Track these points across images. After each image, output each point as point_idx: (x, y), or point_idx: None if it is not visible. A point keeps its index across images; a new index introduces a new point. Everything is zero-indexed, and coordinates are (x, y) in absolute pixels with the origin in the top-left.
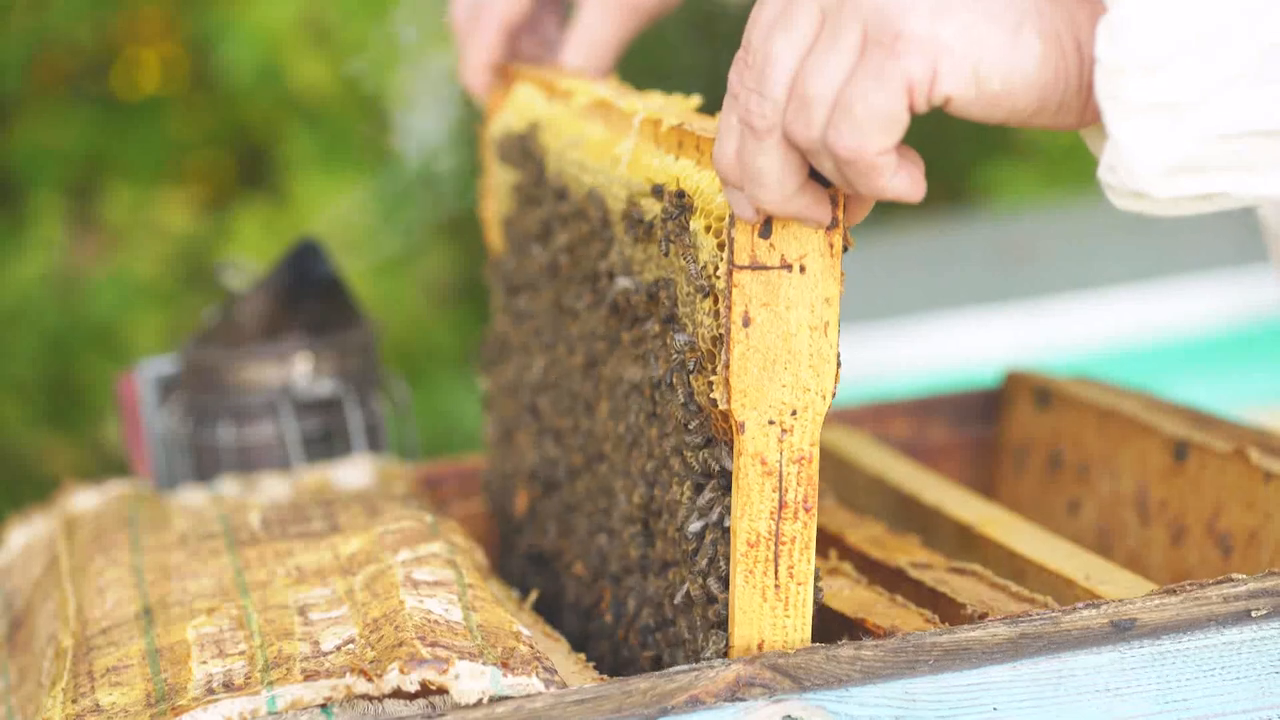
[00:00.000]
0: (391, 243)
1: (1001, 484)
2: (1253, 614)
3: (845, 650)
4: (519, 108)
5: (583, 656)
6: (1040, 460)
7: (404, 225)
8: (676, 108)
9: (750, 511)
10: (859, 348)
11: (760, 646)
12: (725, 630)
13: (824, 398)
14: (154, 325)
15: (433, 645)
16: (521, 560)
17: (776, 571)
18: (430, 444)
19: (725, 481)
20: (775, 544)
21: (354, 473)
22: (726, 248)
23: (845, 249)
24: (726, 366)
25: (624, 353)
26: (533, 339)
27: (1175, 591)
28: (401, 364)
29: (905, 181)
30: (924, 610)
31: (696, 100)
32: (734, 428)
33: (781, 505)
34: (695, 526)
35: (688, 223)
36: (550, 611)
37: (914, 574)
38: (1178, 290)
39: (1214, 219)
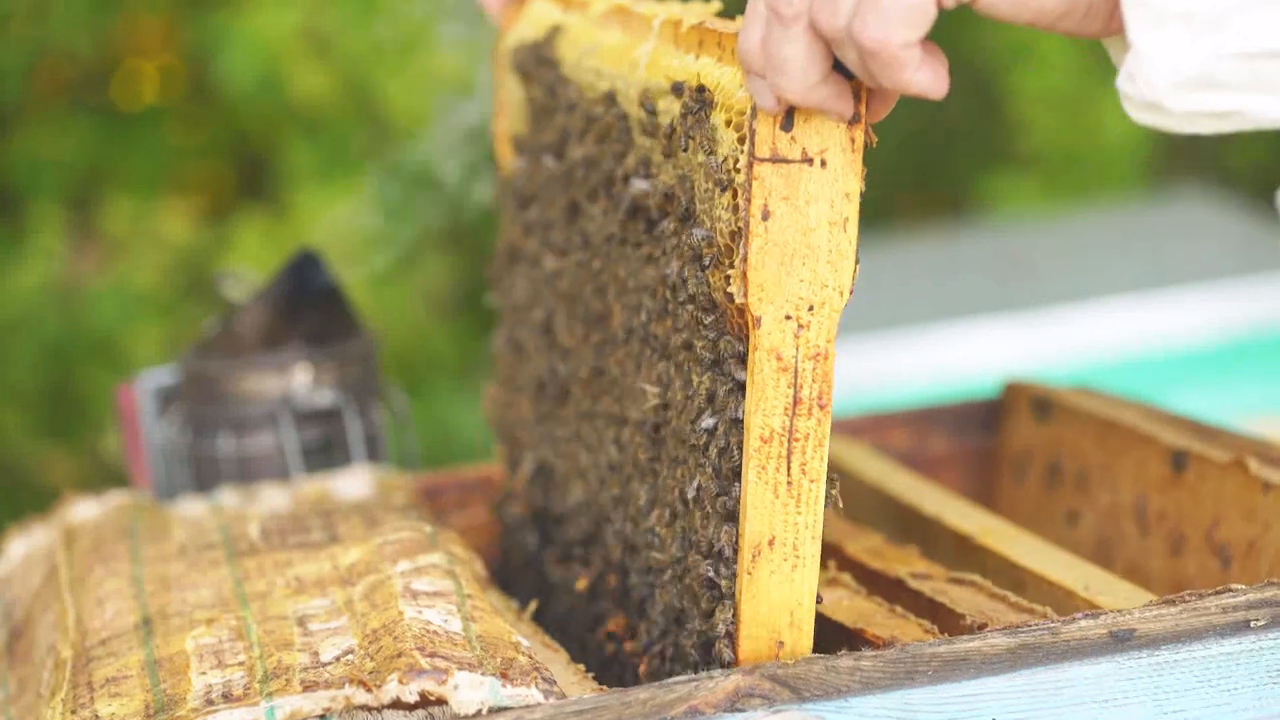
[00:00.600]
0: (391, 252)
1: (1001, 494)
2: (1251, 624)
3: (844, 661)
4: (535, 19)
5: (582, 667)
6: (1039, 470)
7: (403, 235)
8: (696, 10)
9: (764, 407)
10: (859, 358)
11: (771, 543)
12: (735, 523)
13: (841, 294)
14: (154, 336)
15: (432, 656)
16: (530, 486)
17: (789, 468)
18: (430, 454)
19: (740, 378)
20: (789, 440)
21: (353, 483)
22: (747, 140)
23: (867, 146)
24: (744, 260)
25: (639, 256)
26: (543, 249)
27: (1174, 602)
28: (401, 374)
29: (928, 77)
30: (923, 621)
31: (716, 5)
32: (750, 322)
33: (796, 401)
34: (708, 422)
35: (708, 117)
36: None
37: (913, 584)
38: (1177, 301)
39: (1212, 231)
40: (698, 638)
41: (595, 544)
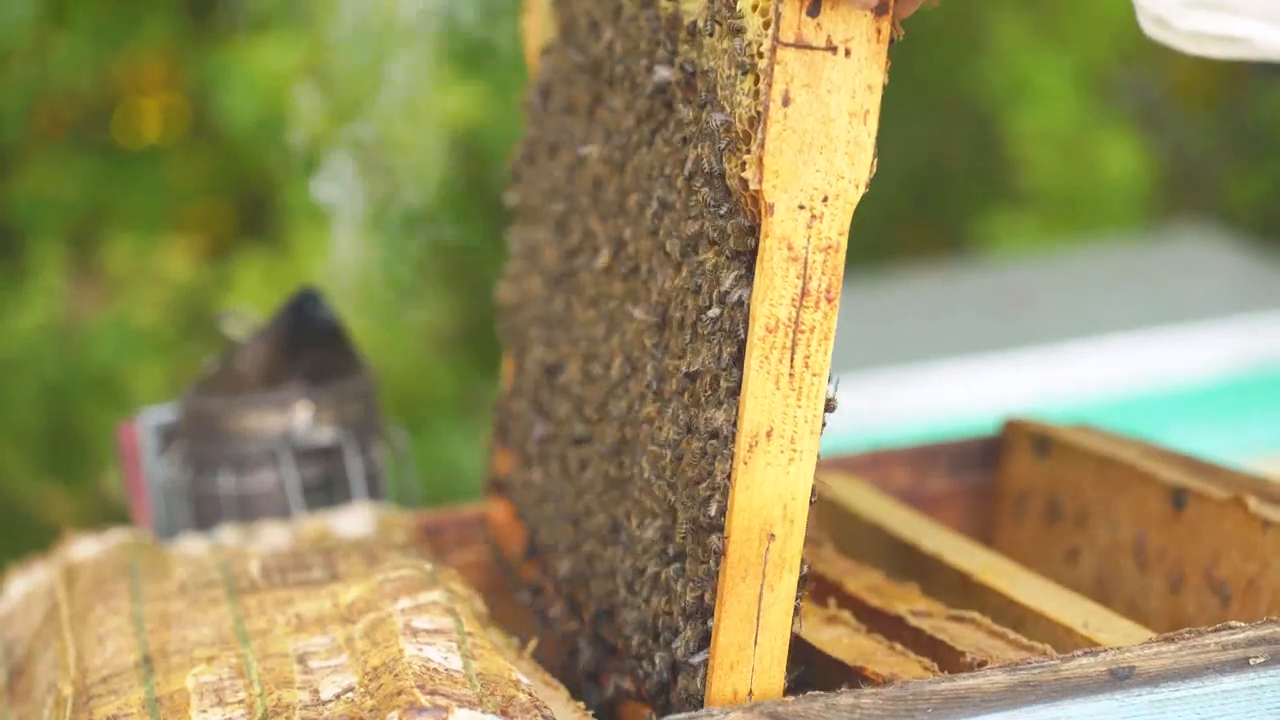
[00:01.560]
0: (390, 290)
1: (1000, 532)
2: (1251, 662)
3: (844, 699)
4: None
5: (581, 705)
6: (1039, 508)
7: (403, 273)
8: None
9: (771, 296)
10: (858, 395)
11: (769, 434)
12: (735, 401)
13: (857, 186)
14: (155, 374)
15: (432, 693)
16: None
17: (793, 360)
18: (430, 492)
19: (748, 266)
20: (794, 331)
21: (354, 521)
22: (773, 24)
23: (892, 40)
24: (761, 145)
25: (658, 144)
26: (564, 138)
27: (1173, 639)
28: (401, 412)
29: None
30: (923, 658)
31: None
32: (762, 209)
33: (804, 293)
34: (714, 312)
35: (736, 3)
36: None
37: (913, 622)
38: (1176, 339)
39: (1212, 269)
40: (690, 525)
41: (594, 438)
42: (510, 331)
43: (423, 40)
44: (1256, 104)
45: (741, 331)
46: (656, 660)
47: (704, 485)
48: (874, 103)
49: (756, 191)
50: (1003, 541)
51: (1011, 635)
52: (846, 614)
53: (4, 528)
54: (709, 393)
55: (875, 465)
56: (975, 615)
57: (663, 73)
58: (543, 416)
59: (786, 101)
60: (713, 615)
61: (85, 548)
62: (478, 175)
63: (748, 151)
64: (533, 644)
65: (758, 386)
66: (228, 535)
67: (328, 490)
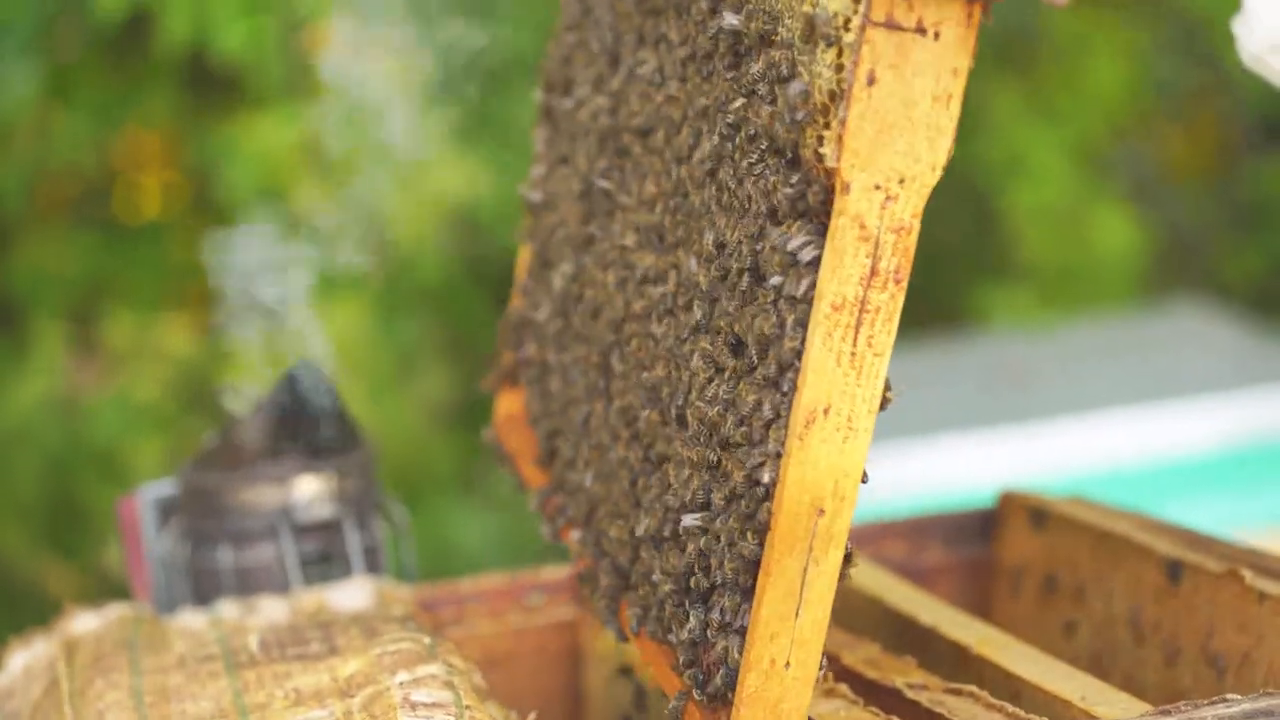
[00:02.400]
0: (389, 364)
1: (997, 604)
2: None
3: None
4: None
5: None
6: (1035, 581)
7: (402, 348)
8: None
9: (840, 275)
10: None
11: (826, 411)
12: (793, 372)
13: (934, 169)
14: (155, 449)
15: None
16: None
17: (856, 338)
18: (428, 566)
19: (818, 238)
20: (860, 311)
21: (352, 595)
22: (864, 2)
23: (981, 25)
24: (843, 124)
25: (716, 93)
26: (607, 48)
27: (1170, 713)
28: (400, 486)
29: None
30: None
31: None
32: (838, 187)
33: (873, 273)
34: (776, 280)
35: None
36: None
37: (910, 695)
38: (1172, 412)
39: (1207, 342)
40: (737, 492)
41: (628, 373)
42: (535, 231)
43: (422, 115)
44: (1251, 178)
45: (805, 303)
46: (691, 618)
47: (756, 452)
48: (958, 88)
49: (833, 169)
50: (999, 614)
51: (1009, 709)
52: (843, 687)
53: (4, 601)
54: (764, 360)
55: (871, 538)
56: (973, 688)
57: (731, 19)
58: (569, 333)
59: (871, 81)
60: (755, 583)
61: (85, 622)
62: (476, 250)
63: (825, 126)
64: (532, 717)
65: (819, 363)
66: (226, 609)
67: (326, 564)
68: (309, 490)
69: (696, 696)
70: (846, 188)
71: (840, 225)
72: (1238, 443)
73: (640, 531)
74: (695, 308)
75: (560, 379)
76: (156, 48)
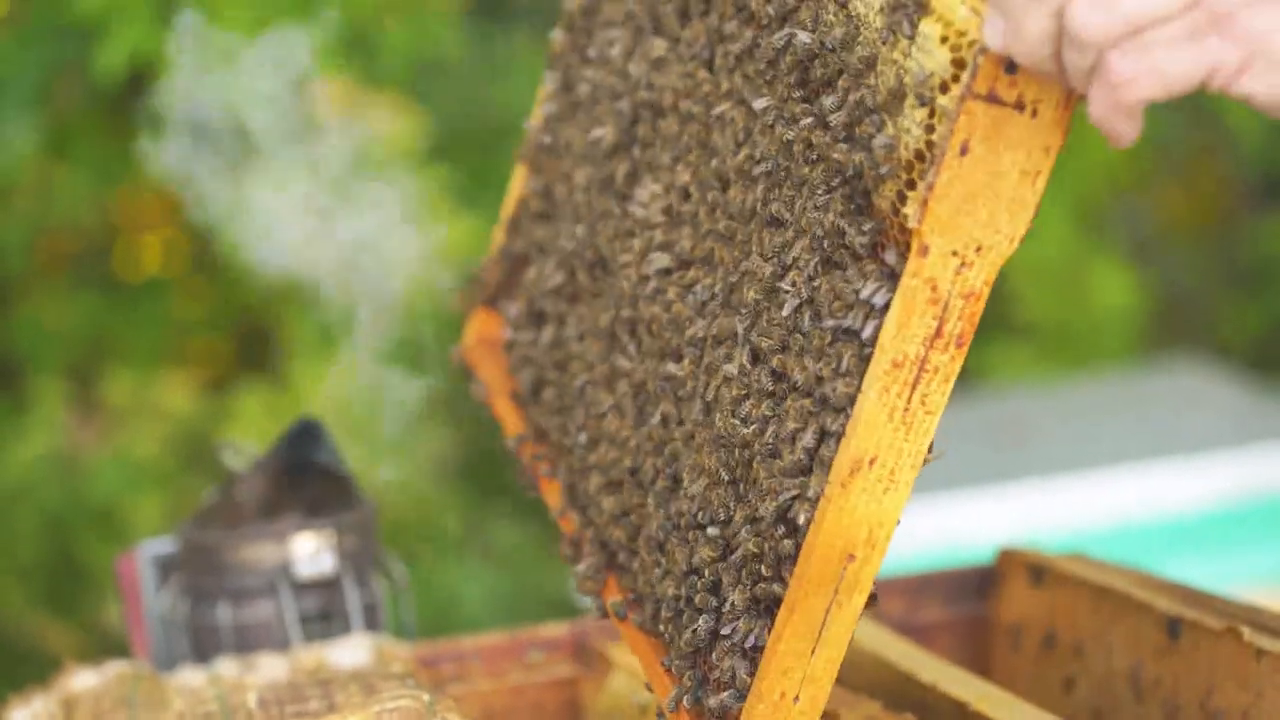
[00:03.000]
0: (389, 422)
1: (996, 661)
2: None
3: None
4: None
5: None
6: (1035, 638)
7: (403, 406)
8: None
9: (905, 333)
10: None
11: (872, 462)
12: (844, 419)
13: (1011, 241)
14: (155, 506)
15: None
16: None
17: (911, 396)
18: (427, 624)
19: (885, 297)
20: (919, 370)
21: (351, 652)
22: (968, 72)
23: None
24: (930, 188)
25: (774, 108)
26: (643, 29)
27: None
28: (399, 544)
29: (1129, 131)
30: None
31: None
32: (916, 248)
33: (937, 334)
34: (832, 323)
35: (918, 21)
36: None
37: None
38: (1170, 469)
39: (1206, 400)
40: (762, 522)
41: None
42: (538, 165)
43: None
44: (1250, 237)
45: (869, 353)
46: (698, 627)
47: (789, 484)
48: (1047, 165)
49: (913, 230)
50: (999, 671)
51: None
52: None
53: (3, 658)
54: (809, 396)
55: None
56: None
57: (803, 37)
58: (571, 289)
59: (965, 151)
60: (771, 612)
61: (84, 679)
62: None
63: (907, 184)
64: None
65: (872, 415)
66: (225, 666)
67: (326, 621)
68: (308, 547)
69: (689, 704)
70: (925, 250)
71: (912, 286)
72: (1236, 500)
73: (642, 524)
74: (736, 321)
75: (555, 329)
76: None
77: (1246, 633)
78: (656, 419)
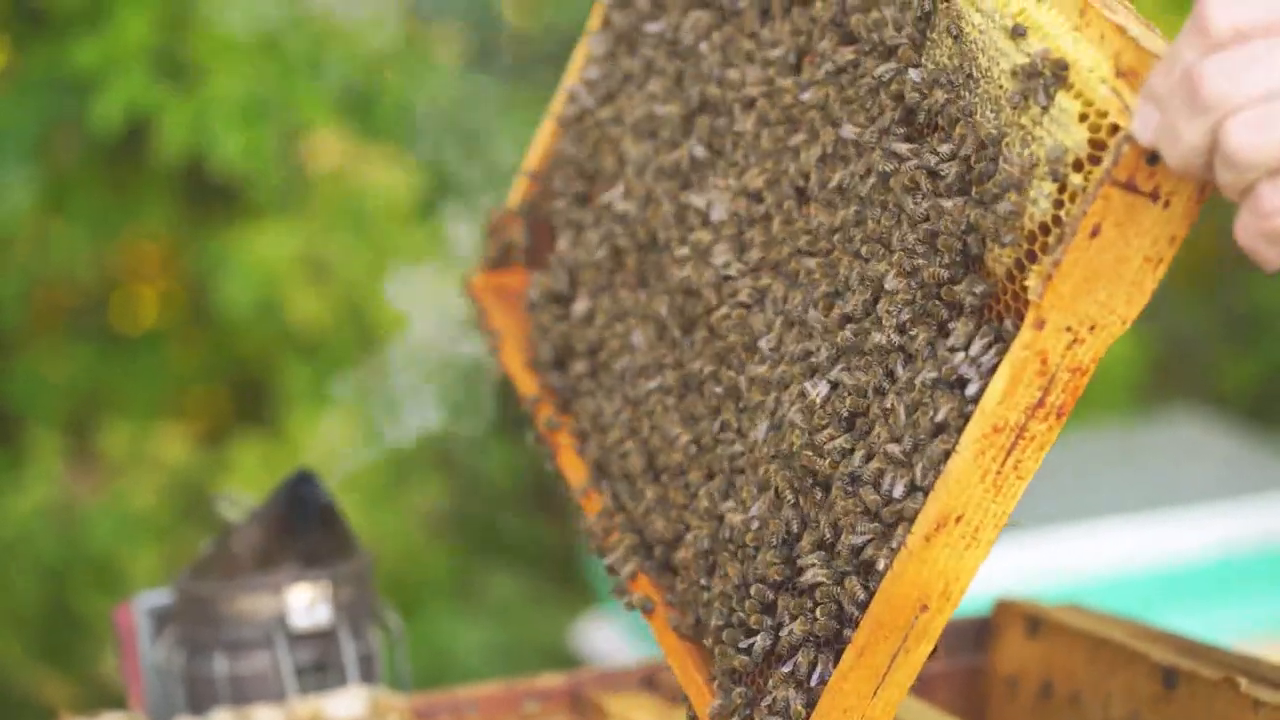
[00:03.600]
0: (385, 475)
1: (994, 713)
2: None
3: None
4: None
5: None
6: (1032, 688)
7: (397, 457)
8: None
9: (1009, 400)
10: None
11: (958, 520)
12: (935, 474)
13: (1124, 323)
14: (151, 558)
15: None
16: None
17: (1005, 460)
18: (423, 676)
19: (991, 360)
20: (1017, 436)
21: (347, 703)
22: (1110, 158)
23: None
24: (1056, 265)
25: (874, 135)
26: (716, 23)
27: None
28: (395, 595)
29: (1275, 258)
30: None
31: None
32: (1032, 319)
33: (1040, 404)
34: (930, 375)
35: (1054, 94)
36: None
37: None
38: (1167, 521)
39: (1204, 452)
40: (847, 555)
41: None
42: (573, 128)
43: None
44: (1247, 288)
45: (964, 409)
46: (752, 648)
47: (866, 526)
48: (1170, 254)
49: (1033, 303)
50: None
51: None
52: None
53: (1, 711)
54: (898, 440)
55: None
56: None
57: (914, 76)
58: (612, 267)
59: (1095, 233)
60: (831, 647)
61: None
62: (473, 362)
63: (1027, 255)
64: None
65: (964, 475)
66: (221, 718)
67: (322, 673)
68: (304, 599)
69: None
70: (1041, 324)
71: (1023, 356)
72: (1233, 551)
73: (686, 526)
74: (817, 346)
75: (590, 303)
76: (154, 158)
77: (1243, 683)
78: (713, 424)
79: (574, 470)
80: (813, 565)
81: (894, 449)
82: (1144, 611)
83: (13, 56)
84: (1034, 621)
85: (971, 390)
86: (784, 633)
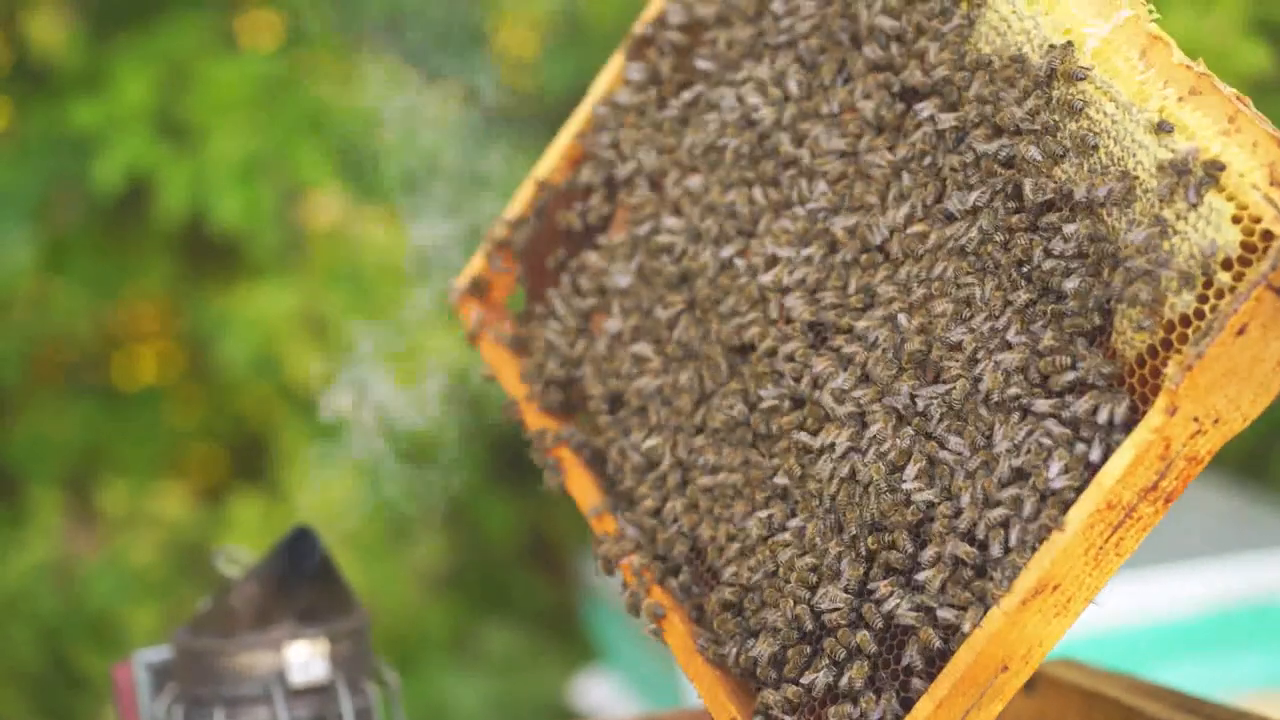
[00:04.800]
0: (382, 531)
1: None
2: None
3: None
4: None
5: None
6: None
7: (394, 514)
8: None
9: (1127, 480)
10: None
11: (1055, 589)
12: (1033, 549)
13: (1244, 421)
14: (151, 614)
15: None
16: None
17: (1110, 537)
18: None
19: (1115, 438)
20: (1126, 516)
21: None
22: (1267, 262)
23: None
24: (1198, 357)
25: (984, 203)
26: (788, 70)
27: None
28: (393, 651)
29: None
30: None
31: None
32: (1163, 405)
33: (1153, 488)
34: (1043, 441)
35: (1204, 192)
36: None
37: None
38: (1161, 576)
39: (1197, 507)
40: (930, 609)
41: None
42: (595, 148)
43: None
44: None
45: (1075, 486)
46: (819, 677)
47: (958, 600)
48: None
49: (1166, 390)
50: None
51: None
52: None
53: None
54: (994, 511)
55: None
56: None
57: (1032, 153)
58: (643, 287)
59: (1241, 332)
60: (895, 692)
61: None
62: (468, 417)
63: (1164, 344)
64: None
65: (1070, 546)
66: None
67: None
68: (302, 654)
69: None
70: (1172, 411)
71: (1149, 440)
72: (1226, 606)
73: (725, 559)
74: (915, 400)
75: (621, 323)
76: (154, 217)
77: None
78: (769, 462)
79: (584, 492)
80: (894, 603)
81: (991, 515)
82: (1139, 667)
83: (13, 118)
84: (1030, 677)
85: (1094, 458)
86: (850, 671)
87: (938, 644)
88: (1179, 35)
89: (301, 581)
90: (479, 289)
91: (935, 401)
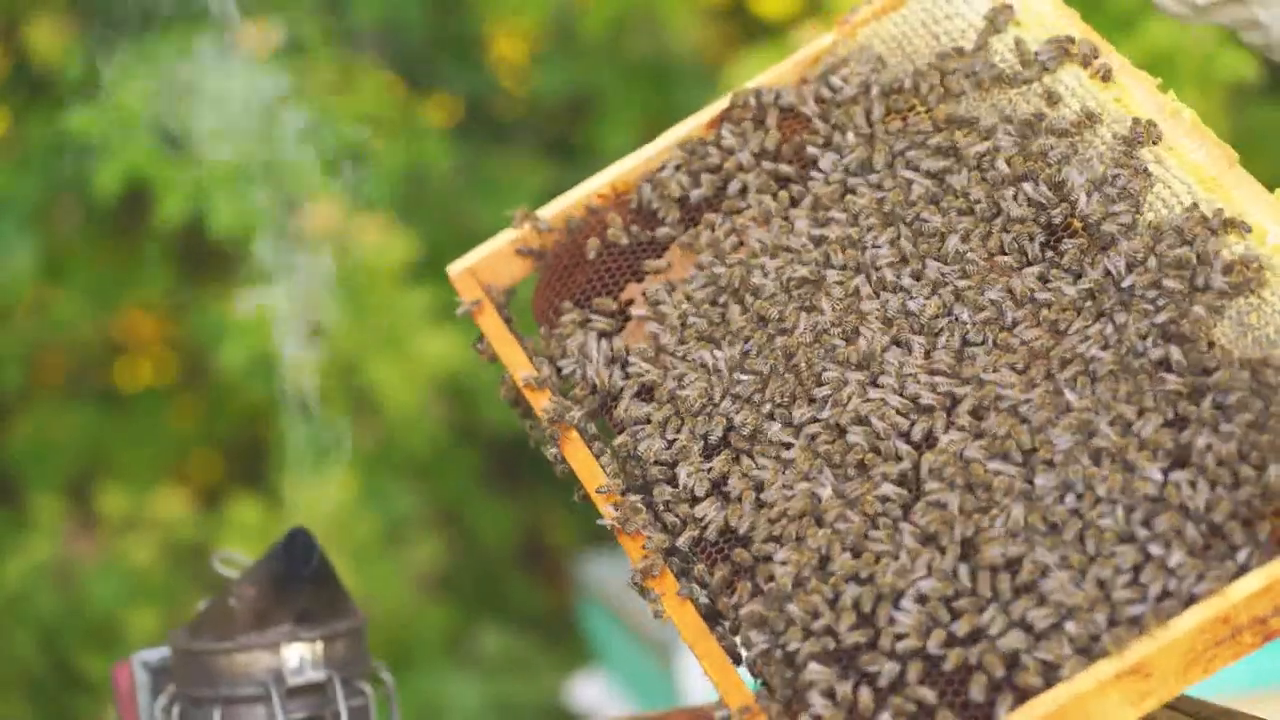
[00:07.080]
0: (379, 534)
1: None
2: None
3: None
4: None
5: None
6: None
7: (392, 516)
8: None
9: (1249, 603)
10: None
11: (1147, 675)
12: (1178, 584)
13: None
14: (151, 616)
15: None
16: None
17: (1210, 649)
18: None
19: (1255, 562)
20: (1232, 635)
21: None
22: None
23: None
24: None
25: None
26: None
27: None
28: (388, 653)
29: None
30: None
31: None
32: None
33: (1263, 620)
34: (1194, 541)
35: (1260, 287)
36: None
37: None
38: None
39: None
40: (997, 662)
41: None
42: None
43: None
44: None
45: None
46: (860, 691)
47: (1042, 650)
48: None
49: None
50: None
51: None
52: None
53: None
54: (1127, 598)
55: None
56: None
57: (1118, 264)
58: (724, 320)
59: None
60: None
61: None
62: (463, 420)
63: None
64: None
65: (1178, 641)
66: None
67: None
68: (299, 655)
69: None
70: None
71: (1274, 573)
72: None
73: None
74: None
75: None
76: (153, 223)
77: None
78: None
79: (588, 473)
80: (983, 653)
81: (1125, 594)
82: None
83: (13, 126)
84: None
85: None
86: (906, 692)
87: (1005, 700)
88: (1163, 44)
89: (299, 583)
90: (527, 251)
91: (1064, 527)
